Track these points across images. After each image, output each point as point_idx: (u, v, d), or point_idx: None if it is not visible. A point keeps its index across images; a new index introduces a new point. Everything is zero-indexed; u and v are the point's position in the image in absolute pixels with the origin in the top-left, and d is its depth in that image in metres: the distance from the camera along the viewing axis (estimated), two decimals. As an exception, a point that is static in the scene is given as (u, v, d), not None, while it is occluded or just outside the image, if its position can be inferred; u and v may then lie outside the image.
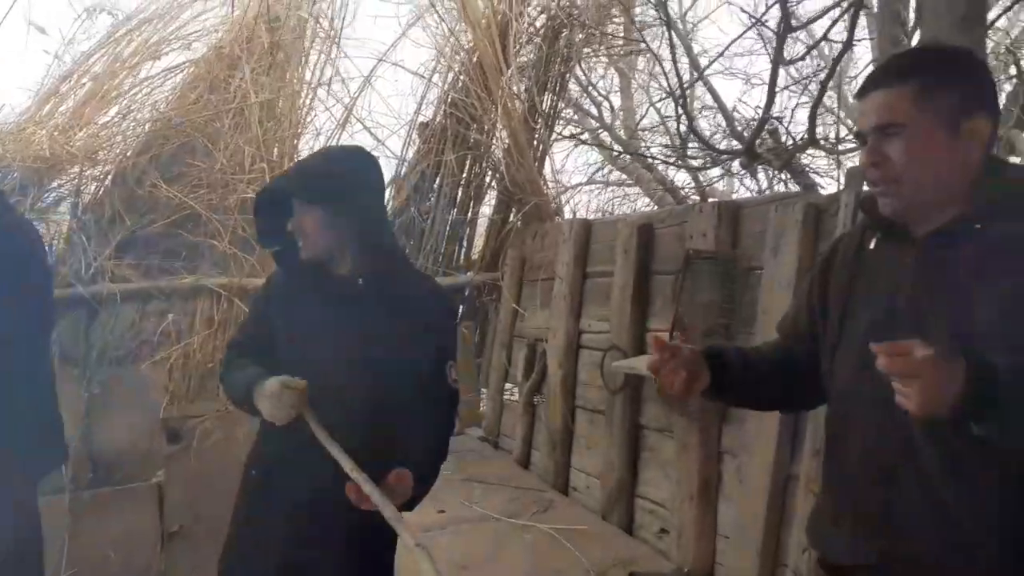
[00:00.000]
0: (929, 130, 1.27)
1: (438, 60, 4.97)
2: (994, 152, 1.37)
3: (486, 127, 4.71)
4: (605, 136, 6.12)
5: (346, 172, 1.86)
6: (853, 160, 3.41)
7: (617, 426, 3.72)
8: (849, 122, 4.59)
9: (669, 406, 3.40)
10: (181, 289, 3.94)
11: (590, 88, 5.71)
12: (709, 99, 5.56)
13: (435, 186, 4.91)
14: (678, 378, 1.44)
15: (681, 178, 5.73)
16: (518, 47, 4.55)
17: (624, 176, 6.08)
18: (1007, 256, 1.20)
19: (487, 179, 4.93)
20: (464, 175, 4.94)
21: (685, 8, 6.07)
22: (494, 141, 4.57)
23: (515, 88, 4.50)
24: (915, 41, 2.66)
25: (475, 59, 4.65)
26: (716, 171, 4.01)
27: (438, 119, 4.89)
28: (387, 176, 5.14)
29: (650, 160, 4.65)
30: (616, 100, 6.47)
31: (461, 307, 5.11)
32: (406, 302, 1.84)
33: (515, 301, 4.81)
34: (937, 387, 1.05)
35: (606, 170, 5.89)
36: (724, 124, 4.12)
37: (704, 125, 5.62)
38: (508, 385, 4.95)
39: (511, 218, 4.92)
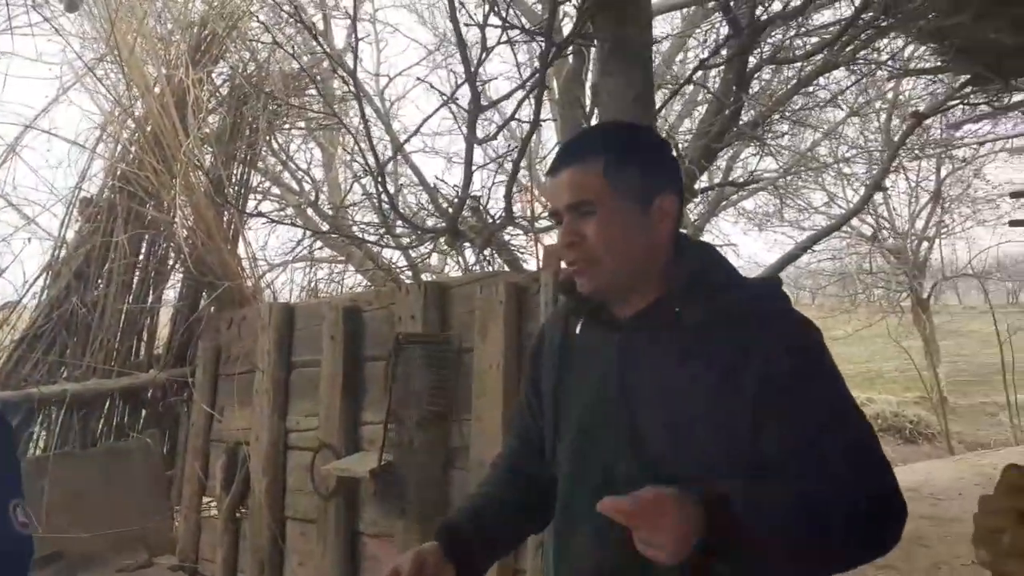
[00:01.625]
0: (621, 209, 1.25)
1: (103, 128, 4.30)
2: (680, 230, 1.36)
3: (165, 203, 4.13)
4: (312, 212, 5.79)
5: None
6: (551, 237, 3.47)
7: (332, 536, 3.32)
8: (543, 199, 4.82)
9: (388, 507, 3.10)
10: None
11: (288, 162, 5.39)
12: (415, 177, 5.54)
13: (104, 271, 4.18)
14: None
15: (392, 255, 5.58)
16: (200, 117, 4.08)
17: (334, 253, 5.78)
18: (704, 342, 1.20)
19: (169, 261, 4.31)
20: (141, 257, 4.28)
21: (382, 86, 6.05)
22: (176, 219, 4.01)
23: (197, 160, 4.01)
24: (595, 121, 2.80)
25: (148, 128, 4.09)
26: (425, 248, 3.90)
27: (105, 194, 4.20)
28: (42, 261, 4.30)
29: (353, 238, 4.41)
30: (320, 174, 6.21)
31: (143, 411, 4.37)
32: None
33: (210, 400, 4.21)
34: (672, 531, 1.00)
35: (315, 247, 5.54)
36: (429, 202, 4.07)
37: (412, 201, 5.56)
38: (207, 499, 4.28)
39: (201, 305, 4.34)
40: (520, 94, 2.76)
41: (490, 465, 1.62)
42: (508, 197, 2.95)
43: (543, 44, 2.46)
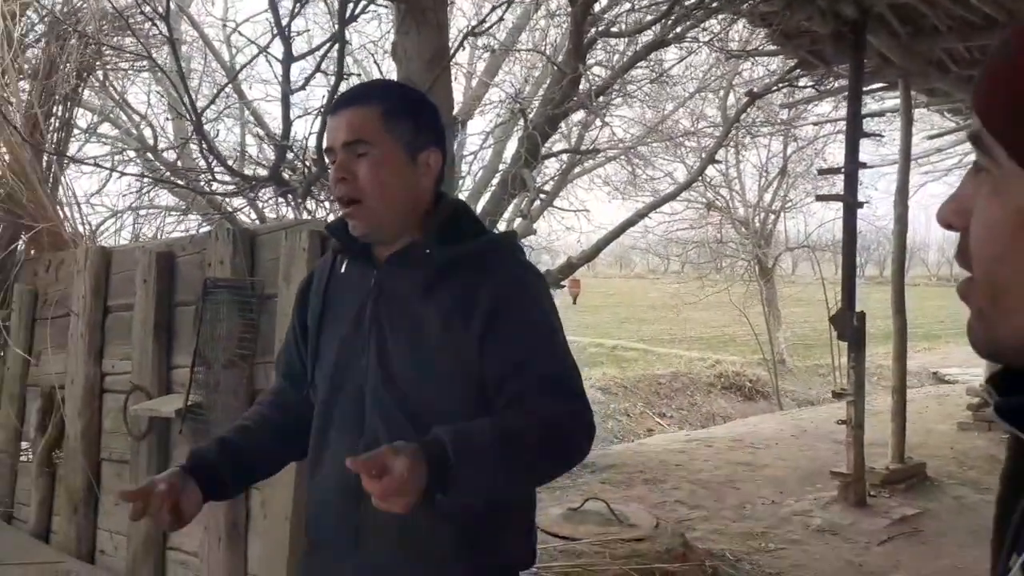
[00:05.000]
0: (393, 154, 1.37)
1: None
2: (442, 188, 1.50)
3: (-25, 139, 3.95)
4: (151, 156, 5.62)
5: None
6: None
7: (144, 475, 3.37)
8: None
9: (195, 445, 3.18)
10: None
11: (122, 104, 5.20)
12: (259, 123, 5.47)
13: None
14: (162, 518, 1.34)
15: (241, 203, 5.52)
16: (13, 51, 3.90)
17: (176, 200, 5.65)
18: (447, 279, 1.37)
19: (-19, 201, 4.13)
20: (-51, 197, 4.08)
21: (228, 33, 5.89)
22: (-12, 157, 3.85)
23: (11, 96, 3.84)
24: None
25: (-45, 59, 3.88)
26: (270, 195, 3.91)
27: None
28: None
29: (174, 184, 4.36)
30: (166, 118, 6.02)
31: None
32: None
33: (26, 345, 4.11)
34: (412, 492, 1.13)
35: (152, 193, 5.41)
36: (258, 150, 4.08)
37: (254, 150, 5.49)
38: (23, 445, 4.20)
39: (19, 247, 4.20)
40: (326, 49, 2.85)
41: (255, 403, 1.74)
42: (318, 147, 3.04)
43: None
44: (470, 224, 1.45)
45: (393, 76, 2.70)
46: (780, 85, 6.64)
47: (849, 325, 5.24)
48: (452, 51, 2.29)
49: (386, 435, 1.31)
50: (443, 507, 1.20)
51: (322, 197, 3.73)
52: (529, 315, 1.38)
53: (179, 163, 5.23)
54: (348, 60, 3.21)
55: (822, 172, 5.96)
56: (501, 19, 3.76)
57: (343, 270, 1.50)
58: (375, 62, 2.76)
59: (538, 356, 1.36)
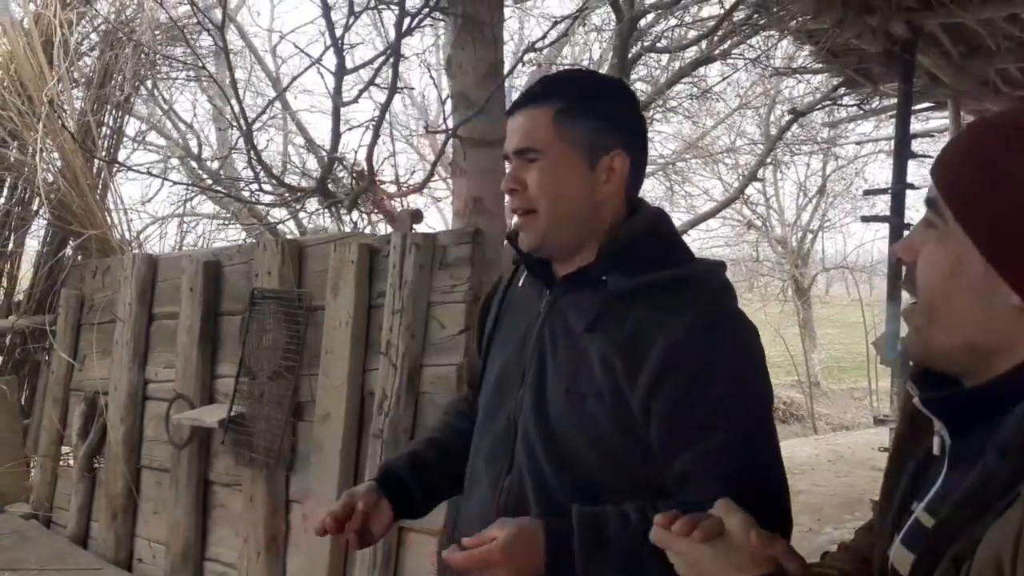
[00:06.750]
0: (566, 160, 1.19)
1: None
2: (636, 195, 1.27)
3: (30, 146, 4.01)
4: (195, 166, 5.69)
5: None
6: (412, 203, 3.58)
7: (183, 484, 3.37)
8: (400, 161, 4.87)
9: (237, 456, 3.17)
10: None
11: (170, 113, 5.27)
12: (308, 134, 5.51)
13: (-39, 213, 4.04)
14: (354, 538, 1.27)
15: (282, 214, 5.55)
16: (69, 59, 3.96)
17: (217, 208, 5.71)
18: (618, 312, 1.16)
19: (33, 207, 4.19)
20: (2, 201, 4.15)
21: (274, 43, 5.96)
22: (40, 162, 3.90)
23: (65, 104, 3.90)
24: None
25: (12, 68, 3.94)
26: (297, 207, 3.93)
27: (-37, 134, 4.05)
28: None
29: (223, 193, 4.39)
30: (210, 127, 6.09)
31: (1, 358, 4.26)
32: None
33: (71, 349, 4.14)
34: (510, 568, 1.05)
35: (195, 202, 5.47)
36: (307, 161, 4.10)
37: (298, 161, 5.53)
38: (65, 449, 4.23)
39: (68, 252, 4.25)
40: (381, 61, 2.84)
41: (442, 412, 1.61)
42: (369, 159, 3.03)
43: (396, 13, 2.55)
44: (661, 248, 1.19)
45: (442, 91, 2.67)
46: (825, 103, 6.55)
47: (893, 350, 5.11)
48: (511, 66, 2.25)
49: (531, 479, 1.20)
50: None
51: (367, 210, 3.72)
52: (713, 376, 1.10)
53: (222, 172, 5.28)
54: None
55: (868, 193, 5.85)
56: (565, 35, 3.72)
57: (521, 284, 1.35)
58: (430, 76, 2.75)
59: (716, 432, 1.08)
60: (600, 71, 5.72)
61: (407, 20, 2.58)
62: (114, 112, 4.21)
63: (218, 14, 2.89)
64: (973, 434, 0.75)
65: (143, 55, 4.01)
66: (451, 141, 2.69)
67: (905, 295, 0.81)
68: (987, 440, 0.71)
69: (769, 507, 1.04)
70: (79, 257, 4.30)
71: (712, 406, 1.09)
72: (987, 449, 0.70)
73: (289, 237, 3.37)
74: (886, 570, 0.82)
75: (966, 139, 0.78)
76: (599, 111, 1.20)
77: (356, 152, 3.30)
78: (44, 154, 3.87)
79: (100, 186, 4.21)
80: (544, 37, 2.94)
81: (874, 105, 6.93)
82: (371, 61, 2.86)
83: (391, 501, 1.31)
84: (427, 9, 2.50)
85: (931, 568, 0.70)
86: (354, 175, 3.27)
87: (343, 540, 1.27)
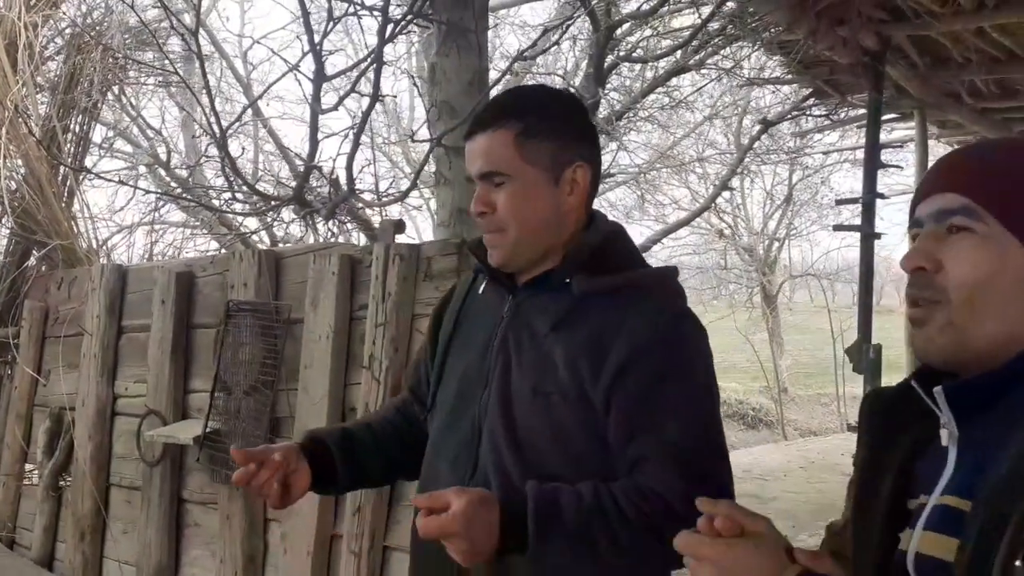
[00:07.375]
0: (532, 180, 1.23)
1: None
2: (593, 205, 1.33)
3: (-9, 152, 3.87)
4: (163, 173, 5.55)
5: None
6: (389, 213, 3.53)
7: (155, 502, 3.26)
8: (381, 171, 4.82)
9: (213, 473, 3.08)
10: None
11: (138, 119, 5.14)
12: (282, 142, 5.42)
13: (-82, 222, 3.87)
14: (271, 490, 1.25)
15: (254, 224, 5.44)
16: (34, 63, 3.83)
17: (186, 217, 5.57)
18: (582, 314, 1.21)
19: (-6, 215, 4.05)
20: (-39, 210, 3.99)
21: (245, 48, 5.87)
22: (3, 169, 3.76)
23: (29, 109, 3.76)
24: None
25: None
26: (271, 217, 3.85)
27: (-78, 139, 3.88)
28: None
29: (195, 202, 4.28)
30: (179, 134, 5.96)
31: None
32: None
33: (35, 363, 4.00)
34: (465, 537, 1.06)
35: (164, 209, 5.33)
36: (282, 169, 4.02)
37: (274, 169, 5.43)
38: (29, 467, 4.07)
39: (31, 263, 4.10)
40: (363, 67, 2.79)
41: (378, 408, 1.62)
42: (349, 168, 2.98)
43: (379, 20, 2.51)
44: (621, 254, 1.28)
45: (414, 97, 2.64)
46: (794, 113, 6.64)
47: (865, 357, 5.18)
48: (500, 75, 2.22)
49: (496, 480, 1.21)
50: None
51: (343, 219, 3.66)
52: (669, 374, 1.18)
53: (191, 180, 5.16)
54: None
55: (840, 202, 5.93)
56: (556, 43, 3.71)
57: (481, 291, 1.38)
58: (414, 83, 2.71)
59: (668, 421, 1.16)
60: (575, 80, 5.73)
61: (390, 27, 2.53)
62: (80, 118, 4.09)
63: (188, 18, 2.81)
64: (975, 421, 0.81)
65: (111, 59, 3.89)
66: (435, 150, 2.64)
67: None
68: (995, 423, 0.78)
69: (717, 497, 1.08)
70: (43, 267, 4.16)
71: (669, 401, 1.17)
72: (1001, 431, 0.76)
73: (263, 247, 3.28)
74: (882, 564, 0.85)
75: (1005, 149, 0.89)
76: (557, 127, 1.25)
77: (334, 160, 3.23)
78: (7, 161, 3.74)
79: (66, 194, 4.07)
80: (534, 45, 2.91)
81: (841, 116, 7.06)
82: (352, 67, 2.80)
83: (311, 467, 1.30)
84: (411, 16, 2.46)
85: (992, 543, 0.71)
86: (331, 184, 3.21)
87: (260, 486, 1.25)
